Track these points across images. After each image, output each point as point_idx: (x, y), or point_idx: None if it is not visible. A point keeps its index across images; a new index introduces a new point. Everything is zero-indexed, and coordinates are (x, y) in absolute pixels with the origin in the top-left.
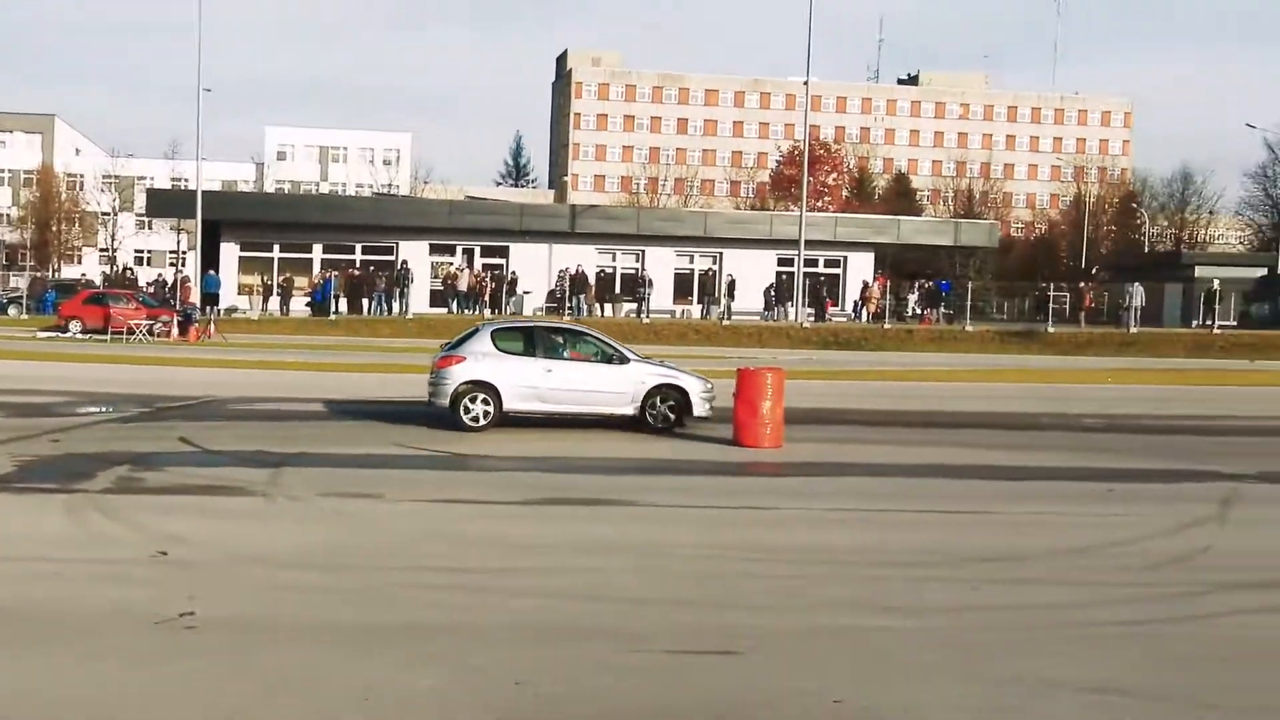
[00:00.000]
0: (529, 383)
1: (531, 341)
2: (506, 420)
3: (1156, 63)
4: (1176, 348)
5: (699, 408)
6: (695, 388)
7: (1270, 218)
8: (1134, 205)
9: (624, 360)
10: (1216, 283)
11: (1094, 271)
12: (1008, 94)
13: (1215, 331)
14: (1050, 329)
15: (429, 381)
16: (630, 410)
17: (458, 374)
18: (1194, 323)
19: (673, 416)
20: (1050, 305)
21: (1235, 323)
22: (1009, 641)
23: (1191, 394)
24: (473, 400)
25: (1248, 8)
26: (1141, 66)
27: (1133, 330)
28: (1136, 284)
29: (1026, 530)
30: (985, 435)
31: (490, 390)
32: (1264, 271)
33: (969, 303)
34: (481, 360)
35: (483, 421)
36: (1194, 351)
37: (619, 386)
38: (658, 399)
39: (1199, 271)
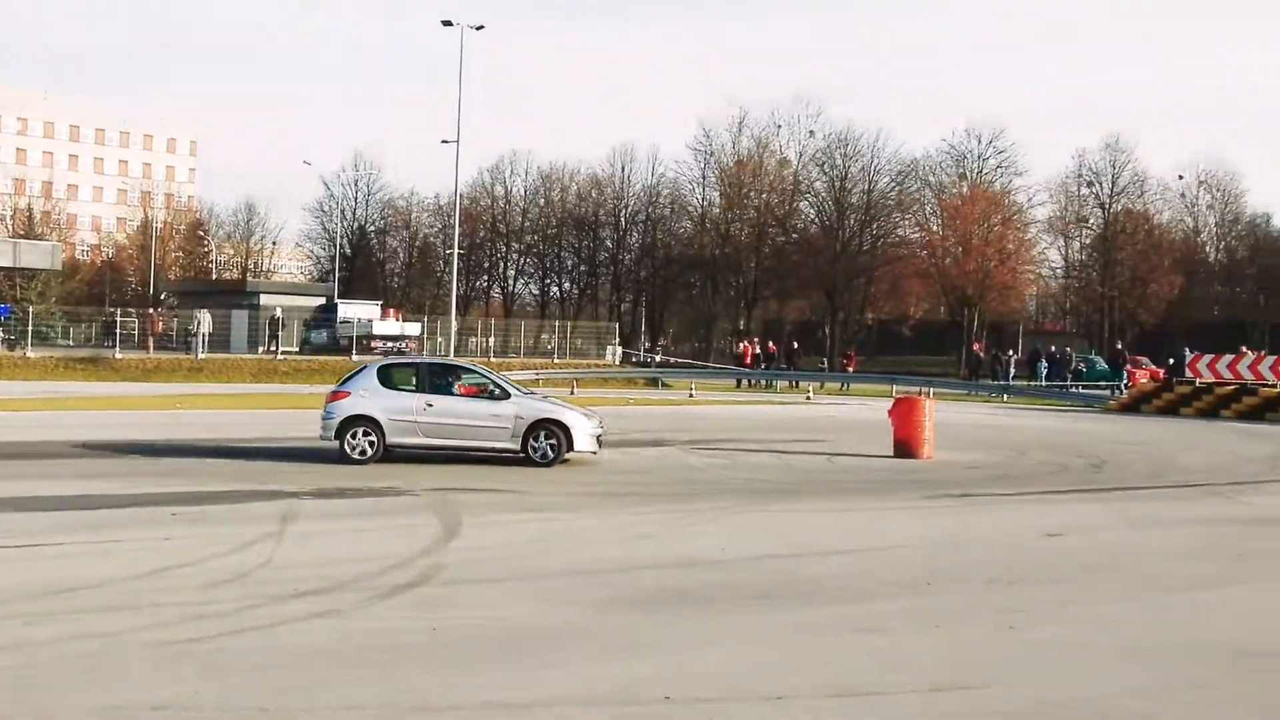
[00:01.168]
0: (410, 417)
1: (416, 377)
2: (391, 455)
3: (224, 97)
4: (244, 373)
5: (582, 443)
6: (579, 424)
7: (328, 250)
8: (201, 233)
9: (505, 395)
10: (279, 310)
11: (163, 298)
12: (71, 112)
13: (279, 358)
14: (119, 355)
15: (321, 417)
16: (511, 445)
17: (343, 409)
18: (260, 349)
19: (553, 454)
20: (119, 331)
21: (298, 349)
22: (73, 672)
23: (258, 418)
24: (355, 435)
25: (351, 51)
26: (209, 99)
27: (201, 356)
28: (204, 311)
29: (89, 559)
30: (50, 466)
31: (373, 424)
32: (322, 300)
33: (31, 327)
34: (365, 396)
35: (368, 454)
36: (260, 376)
37: (499, 422)
38: (539, 434)
39: (264, 300)
